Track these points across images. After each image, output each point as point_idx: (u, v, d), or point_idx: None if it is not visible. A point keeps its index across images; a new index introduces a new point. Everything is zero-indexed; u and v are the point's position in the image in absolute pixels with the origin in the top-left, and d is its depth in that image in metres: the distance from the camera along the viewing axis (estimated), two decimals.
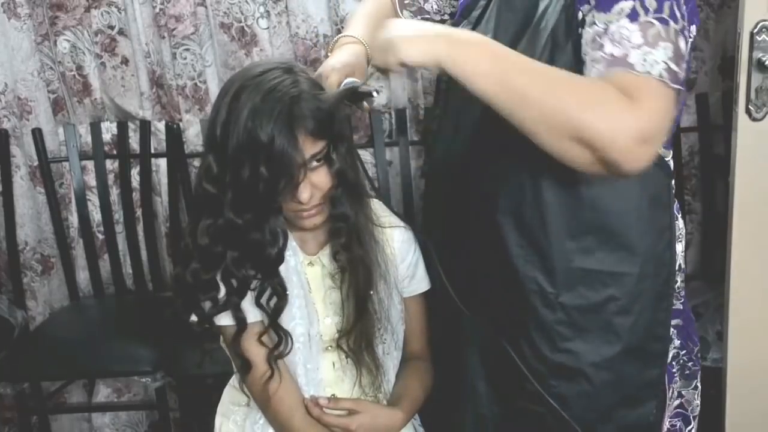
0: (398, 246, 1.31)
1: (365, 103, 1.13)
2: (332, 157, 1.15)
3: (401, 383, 1.35)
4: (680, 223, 1.20)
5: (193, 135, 2.25)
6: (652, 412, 1.19)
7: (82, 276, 2.38)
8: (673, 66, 0.94)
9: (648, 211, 1.11)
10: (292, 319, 1.24)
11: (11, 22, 2.23)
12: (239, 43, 2.16)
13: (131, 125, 2.29)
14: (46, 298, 2.46)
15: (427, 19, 1.37)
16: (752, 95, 1.66)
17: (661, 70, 0.93)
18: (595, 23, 0.98)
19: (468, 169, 1.18)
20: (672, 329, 1.20)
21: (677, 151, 2.09)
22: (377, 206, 1.32)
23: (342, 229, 1.22)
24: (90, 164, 2.30)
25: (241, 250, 1.17)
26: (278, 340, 1.22)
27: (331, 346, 1.29)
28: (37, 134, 2.25)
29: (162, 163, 2.28)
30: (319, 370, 1.29)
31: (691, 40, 1.04)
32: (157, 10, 2.15)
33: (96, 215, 2.33)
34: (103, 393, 2.44)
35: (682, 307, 1.22)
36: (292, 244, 1.25)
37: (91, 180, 2.31)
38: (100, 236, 2.35)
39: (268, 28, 2.16)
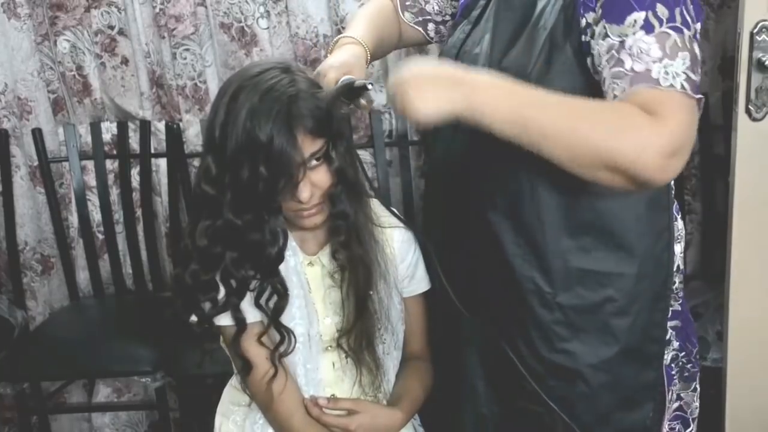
0: (398, 246, 1.31)
1: (363, 101, 1.13)
2: (331, 155, 1.15)
3: (401, 383, 1.35)
4: (679, 224, 1.20)
5: (193, 135, 2.25)
6: (649, 415, 1.19)
7: (82, 276, 2.38)
8: (692, 75, 0.95)
9: (646, 211, 1.11)
10: (291, 319, 1.24)
11: (11, 22, 2.23)
12: (239, 43, 2.16)
13: (131, 125, 2.29)
14: (46, 298, 2.46)
15: (428, 21, 1.37)
16: (752, 95, 1.66)
17: (682, 81, 0.94)
18: (608, 36, 0.98)
19: (467, 169, 1.18)
20: (671, 331, 1.20)
21: None
22: (377, 206, 1.32)
23: (341, 228, 1.22)
24: (90, 164, 2.29)
25: (241, 251, 1.17)
26: (280, 338, 1.22)
27: (330, 346, 1.29)
28: (37, 134, 2.25)
29: (162, 163, 2.28)
30: (318, 370, 1.29)
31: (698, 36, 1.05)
32: (157, 10, 2.15)
33: (96, 215, 2.33)
34: (103, 393, 2.44)
35: (680, 309, 1.22)
36: (292, 244, 1.25)
37: (91, 180, 2.31)
38: (100, 236, 2.35)
39: (268, 28, 2.16)
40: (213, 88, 2.22)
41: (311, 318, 1.26)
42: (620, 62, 0.96)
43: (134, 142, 2.29)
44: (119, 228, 2.33)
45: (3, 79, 2.28)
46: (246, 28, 2.15)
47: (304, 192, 1.13)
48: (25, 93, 2.29)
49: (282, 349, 1.23)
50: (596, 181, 0.96)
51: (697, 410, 1.29)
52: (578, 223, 1.10)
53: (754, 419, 1.83)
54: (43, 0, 2.20)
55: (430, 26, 1.37)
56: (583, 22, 1.03)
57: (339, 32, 2.09)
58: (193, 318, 1.23)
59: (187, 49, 2.18)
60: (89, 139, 2.28)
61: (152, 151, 2.27)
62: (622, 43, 0.96)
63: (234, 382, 1.36)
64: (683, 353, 1.24)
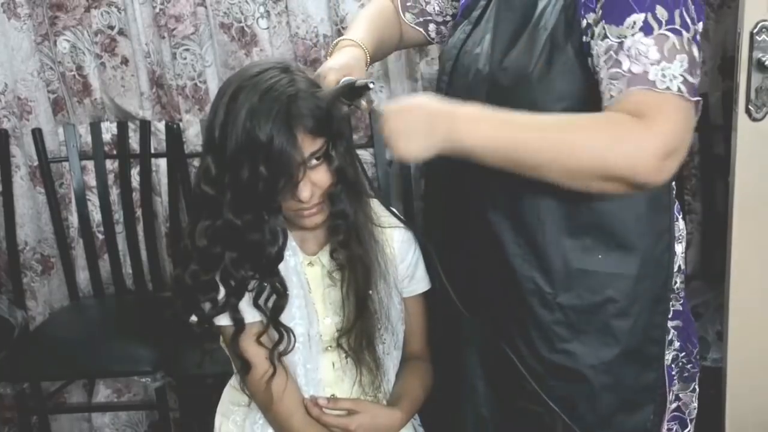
0: (398, 246, 1.31)
1: (363, 102, 1.13)
2: (331, 154, 1.15)
3: (401, 383, 1.35)
4: (681, 224, 1.20)
5: (193, 135, 2.25)
6: (650, 417, 1.19)
7: (82, 276, 2.38)
8: (689, 78, 0.95)
9: (647, 212, 1.11)
10: (291, 319, 1.24)
11: (11, 22, 2.23)
12: (239, 43, 2.16)
13: (131, 125, 2.29)
14: (46, 298, 2.46)
15: (429, 21, 1.37)
16: (752, 95, 1.66)
17: (679, 84, 0.94)
18: (607, 37, 0.98)
19: (467, 169, 1.18)
20: (672, 331, 1.20)
21: None
22: (378, 207, 1.32)
23: (341, 227, 1.22)
24: (90, 164, 2.29)
25: (240, 251, 1.17)
26: (279, 337, 1.22)
27: (330, 346, 1.29)
28: (37, 134, 2.25)
29: (162, 163, 2.28)
30: (318, 370, 1.29)
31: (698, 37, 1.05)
32: (157, 10, 2.15)
33: (96, 215, 2.33)
34: (103, 393, 2.44)
35: (681, 309, 1.22)
36: (292, 243, 1.25)
37: (91, 180, 2.31)
38: (100, 236, 2.35)
39: (268, 28, 2.16)
40: (213, 88, 2.22)
41: (311, 318, 1.26)
42: (618, 63, 0.96)
43: (134, 142, 2.29)
44: (119, 228, 2.33)
45: (3, 79, 2.28)
46: (246, 28, 2.15)
47: (305, 191, 1.13)
48: (25, 93, 2.29)
49: (281, 348, 1.23)
50: (594, 191, 0.98)
51: (695, 411, 1.29)
52: (578, 223, 1.10)
53: (754, 419, 1.83)
54: (43, 0, 2.20)
55: (431, 27, 1.37)
56: (584, 22, 1.03)
57: (339, 32, 2.09)
58: (193, 318, 1.23)
59: (187, 49, 2.18)
60: (89, 139, 2.28)
61: (152, 151, 2.27)
62: (620, 44, 0.97)
63: (234, 382, 1.36)
64: (683, 353, 1.24)
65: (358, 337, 1.26)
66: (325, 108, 1.11)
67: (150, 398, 2.38)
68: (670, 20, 0.95)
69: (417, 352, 1.39)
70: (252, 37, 2.16)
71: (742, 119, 1.67)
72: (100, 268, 2.34)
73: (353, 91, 1.11)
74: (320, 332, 1.27)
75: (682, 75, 0.94)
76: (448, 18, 1.37)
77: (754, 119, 1.67)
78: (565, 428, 1.15)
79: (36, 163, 2.31)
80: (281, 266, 1.21)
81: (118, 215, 2.33)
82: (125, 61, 2.24)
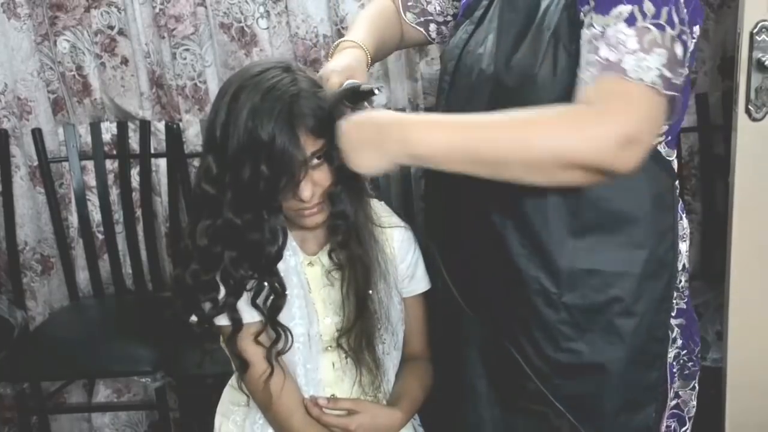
0: (398, 246, 1.31)
1: (366, 104, 1.13)
2: (333, 154, 1.15)
3: (401, 383, 1.35)
4: (684, 222, 1.20)
5: (193, 135, 2.25)
6: (652, 416, 1.19)
7: (82, 276, 2.38)
8: (667, 73, 0.94)
9: (651, 211, 1.11)
10: (291, 318, 1.24)
11: (11, 22, 2.23)
12: (239, 43, 2.16)
13: (131, 125, 2.29)
14: (46, 298, 2.46)
15: (430, 21, 1.37)
16: (752, 95, 1.66)
17: (654, 77, 0.93)
18: (592, 25, 0.98)
19: None
20: (676, 329, 1.20)
21: (677, 152, 2.09)
22: (378, 206, 1.32)
23: (341, 227, 1.22)
24: (90, 164, 2.29)
25: (239, 250, 1.17)
26: (276, 336, 1.22)
27: (330, 346, 1.29)
28: (37, 134, 2.25)
29: (162, 163, 2.28)
30: (318, 370, 1.29)
31: (694, 40, 1.04)
32: (157, 10, 2.15)
33: (96, 215, 2.33)
34: (103, 393, 2.44)
35: (685, 307, 1.22)
36: (292, 243, 1.25)
37: (91, 180, 2.31)
38: (100, 236, 2.35)
39: (267, 28, 2.16)
40: (213, 88, 2.22)
41: (311, 318, 1.26)
42: (596, 49, 0.96)
43: (134, 142, 2.29)
44: (119, 228, 2.33)
45: (3, 79, 2.28)
46: (246, 28, 2.15)
47: (306, 191, 1.13)
48: (25, 93, 2.29)
49: (278, 347, 1.23)
50: (560, 184, 0.97)
51: (694, 410, 1.29)
52: (583, 222, 1.10)
53: (754, 419, 1.83)
54: (43, 0, 2.20)
55: (432, 27, 1.37)
56: (581, 16, 1.03)
57: (339, 32, 2.09)
58: (193, 318, 1.23)
59: (187, 49, 2.18)
60: (89, 139, 2.28)
61: (152, 151, 2.27)
62: (603, 32, 0.97)
63: (233, 382, 1.36)
64: (685, 351, 1.24)
65: (357, 337, 1.26)
66: (327, 111, 1.11)
67: (150, 398, 2.38)
68: (656, 15, 0.95)
69: (417, 352, 1.39)
70: (252, 37, 2.16)
71: (742, 119, 1.67)
72: (100, 268, 2.34)
73: (357, 95, 1.11)
74: (320, 332, 1.27)
75: (658, 69, 0.94)
76: (449, 18, 1.37)
77: (754, 119, 1.67)
78: (570, 427, 1.15)
79: (36, 163, 2.31)
80: (281, 266, 1.21)
81: (117, 215, 2.33)
82: (125, 61, 2.24)
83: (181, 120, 2.24)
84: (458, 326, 1.24)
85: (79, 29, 2.22)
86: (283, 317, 1.22)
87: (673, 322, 1.19)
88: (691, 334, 1.24)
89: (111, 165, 2.31)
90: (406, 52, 2.14)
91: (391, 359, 1.32)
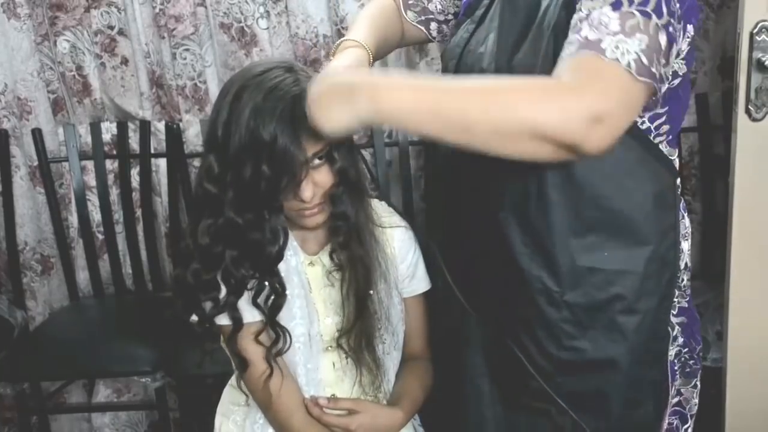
0: (398, 246, 1.31)
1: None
2: (334, 155, 1.15)
3: (401, 383, 1.35)
4: (686, 221, 1.20)
5: (193, 135, 2.25)
6: (653, 412, 1.19)
7: (82, 276, 2.38)
8: (644, 59, 0.93)
9: (653, 209, 1.11)
10: (292, 318, 1.24)
11: (11, 22, 2.23)
12: (239, 43, 2.16)
13: (131, 125, 2.29)
14: (46, 298, 2.46)
15: (431, 20, 1.37)
16: (752, 95, 1.66)
17: (630, 60, 0.92)
18: (580, 10, 0.98)
19: (470, 168, 1.18)
20: (677, 327, 1.20)
21: (678, 151, 2.09)
22: (379, 206, 1.32)
23: (341, 228, 1.22)
24: (90, 164, 2.30)
25: (241, 250, 1.17)
26: (276, 337, 1.22)
27: (331, 346, 1.29)
28: (37, 134, 2.25)
29: (162, 163, 2.28)
30: (319, 370, 1.29)
31: (688, 39, 1.04)
32: (157, 10, 2.15)
33: (96, 215, 2.33)
34: (103, 393, 2.44)
35: (687, 306, 1.22)
36: (293, 243, 1.25)
37: (91, 180, 2.31)
38: (100, 236, 2.35)
39: (267, 28, 2.16)
40: (213, 88, 2.22)
41: (312, 318, 1.26)
42: (578, 30, 0.96)
43: (134, 142, 2.29)
44: (119, 228, 2.33)
45: (3, 79, 2.28)
46: (246, 29, 2.15)
47: (307, 191, 1.13)
48: (25, 93, 2.29)
49: (277, 348, 1.23)
50: (525, 157, 0.95)
51: (696, 407, 1.29)
52: (584, 221, 1.10)
53: (754, 419, 1.83)
54: (43, 0, 2.20)
55: (433, 25, 1.37)
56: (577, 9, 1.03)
57: (339, 32, 2.09)
58: (194, 318, 1.23)
59: (187, 49, 2.18)
60: (89, 139, 2.28)
61: (152, 151, 2.27)
62: (588, 15, 0.96)
63: (234, 381, 1.36)
64: (686, 349, 1.24)
65: (358, 337, 1.26)
66: None
67: (150, 398, 2.38)
68: (644, 2, 0.94)
69: (417, 352, 1.39)
70: (252, 38, 2.16)
71: (742, 119, 1.67)
72: (99, 268, 2.35)
73: None
74: (321, 332, 1.27)
75: (637, 53, 0.92)
76: (450, 17, 1.37)
77: (754, 119, 1.67)
78: (573, 425, 1.15)
79: (36, 163, 2.31)
80: (282, 266, 1.21)
81: (118, 215, 2.33)
82: (125, 61, 2.25)
83: (181, 120, 2.24)
84: (460, 325, 1.24)
85: (79, 29, 2.23)
86: (283, 317, 1.22)
87: (674, 320, 1.19)
88: (693, 332, 1.24)
89: (111, 165, 2.32)
90: (406, 51, 2.14)
91: (391, 359, 1.33)
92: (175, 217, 2.26)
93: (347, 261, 1.23)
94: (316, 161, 1.14)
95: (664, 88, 1.01)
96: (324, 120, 1.00)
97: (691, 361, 1.25)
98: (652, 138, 1.09)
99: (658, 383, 1.19)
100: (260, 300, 1.20)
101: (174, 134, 2.23)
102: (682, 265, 1.18)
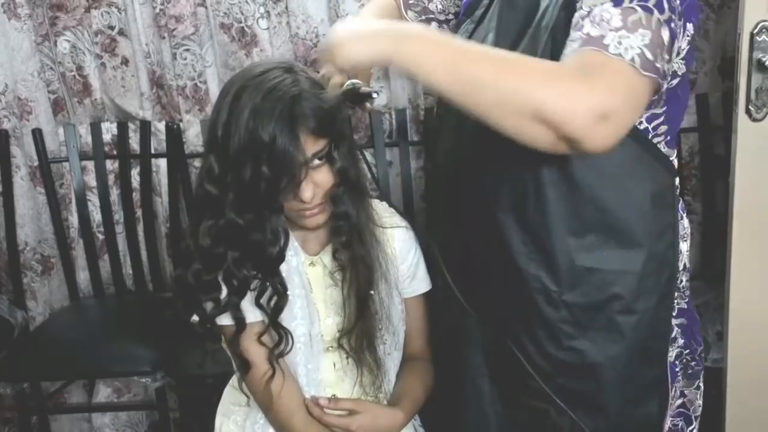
0: (399, 246, 1.31)
1: (366, 103, 1.13)
2: (334, 155, 1.15)
3: (402, 383, 1.35)
4: (685, 222, 1.20)
5: (194, 135, 2.25)
6: (654, 412, 1.19)
7: (82, 276, 2.38)
8: (648, 54, 0.93)
9: (651, 209, 1.11)
10: (293, 319, 1.24)
11: (11, 22, 2.23)
12: (239, 43, 2.16)
13: (131, 125, 2.29)
14: (46, 298, 2.46)
15: (431, 20, 1.37)
16: (752, 96, 1.66)
17: (634, 54, 0.92)
18: (581, 8, 0.98)
19: (470, 168, 1.18)
20: (676, 328, 1.20)
21: (677, 152, 2.09)
22: (380, 206, 1.32)
23: (343, 228, 1.22)
24: (90, 164, 2.30)
25: (242, 250, 1.17)
26: (278, 338, 1.22)
27: (332, 347, 1.29)
28: (37, 134, 2.25)
29: (162, 164, 2.28)
30: (319, 371, 1.29)
31: (688, 38, 1.04)
32: (157, 10, 2.15)
33: (96, 215, 2.33)
34: (103, 393, 2.44)
35: (686, 307, 1.22)
36: (294, 244, 1.25)
37: (91, 180, 2.31)
38: (100, 236, 2.35)
39: (268, 28, 2.16)
40: (213, 88, 2.22)
41: (312, 318, 1.26)
42: (580, 27, 0.96)
43: (134, 142, 2.29)
44: (119, 228, 2.33)
45: (3, 79, 2.28)
46: (246, 29, 2.15)
47: (307, 192, 1.13)
48: (26, 93, 2.29)
49: (280, 349, 1.23)
50: (525, 139, 0.94)
51: (700, 408, 1.30)
52: (583, 221, 1.10)
53: (754, 419, 1.83)
54: (43, 0, 2.20)
55: (433, 25, 1.38)
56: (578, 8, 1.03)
57: None
58: (195, 318, 1.23)
59: (188, 50, 2.18)
60: (89, 139, 2.28)
61: (152, 151, 2.27)
62: (589, 12, 0.96)
63: (234, 382, 1.36)
64: (687, 351, 1.24)
65: (359, 337, 1.26)
66: (328, 110, 1.11)
67: (150, 398, 2.38)
68: None
69: (417, 353, 1.39)
70: (252, 38, 2.16)
71: (742, 120, 1.67)
72: (100, 268, 2.35)
73: (357, 96, 1.12)
74: (321, 332, 1.27)
75: (640, 48, 0.92)
76: (451, 16, 1.37)
77: (755, 120, 1.67)
78: (572, 424, 1.15)
79: (36, 164, 2.31)
80: (283, 266, 1.21)
81: (118, 215, 2.33)
82: (125, 62, 2.24)
83: (181, 120, 2.24)
84: (459, 325, 1.25)
85: (79, 29, 2.22)
86: (284, 317, 1.22)
87: (673, 321, 1.19)
88: (693, 333, 1.24)
89: (111, 165, 2.32)
90: None
91: (392, 359, 1.33)
92: (175, 217, 2.26)
93: (348, 261, 1.24)
94: (316, 161, 1.14)
95: (666, 85, 1.01)
96: (349, 45, 1.01)
97: (693, 363, 1.25)
98: (650, 138, 1.09)
99: (657, 383, 1.19)
100: (263, 301, 1.20)
101: (174, 134, 2.23)
102: (681, 266, 1.18)
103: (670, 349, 1.20)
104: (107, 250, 2.32)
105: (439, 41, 0.97)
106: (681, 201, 1.19)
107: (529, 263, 1.12)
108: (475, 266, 1.21)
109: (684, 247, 1.19)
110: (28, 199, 2.37)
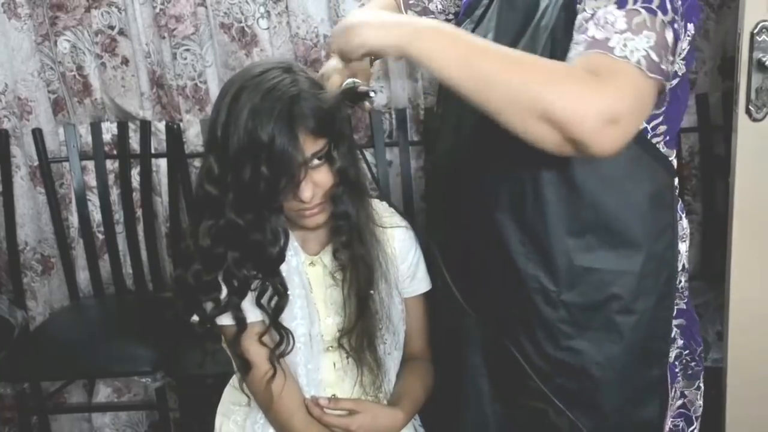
0: (399, 246, 1.31)
1: (366, 103, 1.13)
2: (333, 155, 1.15)
3: (402, 383, 1.35)
4: (684, 222, 1.20)
5: (194, 135, 2.25)
6: (654, 413, 1.19)
7: (82, 276, 2.38)
8: (653, 56, 0.93)
9: (650, 210, 1.11)
10: (293, 319, 1.24)
11: (11, 22, 2.23)
12: (239, 43, 2.16)
13: (131, 125, 2.29)
14: (46, 298, 2.46)
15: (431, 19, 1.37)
16: (752, 95, 1.65)
17: (640, 57, 0.92)
18: (585, 10, 0.98)
19: (469, 168, 1.18)
20: (675, 329, 1.20)
21: (677, 152, 2.09)
22: (380, 206, 1.32)
23: (343, 228, 1.22)
24: (90, 164, 2.30)
25: (242, 251, 1.17)
26: (279, 338, 1.22)
27: (332, 347, 1.29)
28: (38, 134, 2.25)
29: (162, 164, 2.28)
30: (319, 371, 1.29)
31: (689, 38, 1.04)
32: (158, 10, 2.15)
33: (96, 215, 2.33)
34: (103, 393, 2.44)
35: (685, 307, 1.22)
36: (294, 244, 1.25)
37: (92, 180, 2.31)
38: (100, 236, 2.35)
39: (268, 28, 2.16)
40: (213, 88, 2.22)
41: (312, 318, 1.26)
42: (584, 30, 0.96)
43: (134, 142, 2.29)
44: (119, 228, 2.33)
45: (3, 79, 2.28)
46: (246, 29, 2.15)
47: (306, 191, 1.13)
48: (26, 93, 2.29)
49: (281, 349, 1.23)
50: (532, 139, 0.93)
51: (701, 409, 1.30)
52: (581, 221, 1.10)
53: (754, 419, 1.83)
54: (43, 0, 2.20)
55: None
56: (579, 10, 1.03)
57: None
58: (195, 318, 1.23)
59: (188, 50, 2.18)
60: (89, 139, 2.28)
61: (152, 151, 2.27)
62: (593, 15, 0.96)
63: (234, 382, 1.36)
64: (687, 351, 1.24)
65: (359, 337, 1.26)
66: (327, 109, 1.11)
67: (150, 398, 2.38)
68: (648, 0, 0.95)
69: (417, 353, 1.39)
70: (252, 38, 2.16)
71: (742, 120, 1.67)
72: (100, 268, 2.35)
73: (356, 95, 1.12)
74: (321, 332, 1.27)
75: (645, 50, 0.92)
76: (451, 16, 1.37)
77: (755, 119, 1.67)
78: (570, 424, 1.15)
79: (36, 163, 2.31)
80: (283, 266, 1.21)
81: (118, 215, 2.33)
82: (125, 61, 2.24)
83: (181, 120, 2.24)
84: (459, 325, 1.24)
85: (79, 29, 2.22)
86: (284, 317, 1.22)
87: (673, 322, 1.19)
88: (692, 334, 1.24)
89: (111, 165, 2.32)
90: None
91: (392, 359, 1.33)
92: (175, 217, 2.26)
93: (349, 261, 1.24)
94: (316, 161, 1.14)
95: (668, 86, 1.01)
96: (366, 29, 1.02)
97: (693, 363, 1.25)
98: (649, 138, 1.09)
99: (657, 383, 1.19)
100: (263, 301, 1.20)
101: (174, 134, 2.23)
102: (680, 267, 1.18)
103: (670, 349, 1.20)
104: (107, 250, 2.32)
105: (454, 36, 0.98)
106: (680, 201, 1.19)
107: (527, 263, 1.12)
108: (474, 266, 1.21)
109: (683, 247, 1.18)
110: (28, 199, 2.37)
